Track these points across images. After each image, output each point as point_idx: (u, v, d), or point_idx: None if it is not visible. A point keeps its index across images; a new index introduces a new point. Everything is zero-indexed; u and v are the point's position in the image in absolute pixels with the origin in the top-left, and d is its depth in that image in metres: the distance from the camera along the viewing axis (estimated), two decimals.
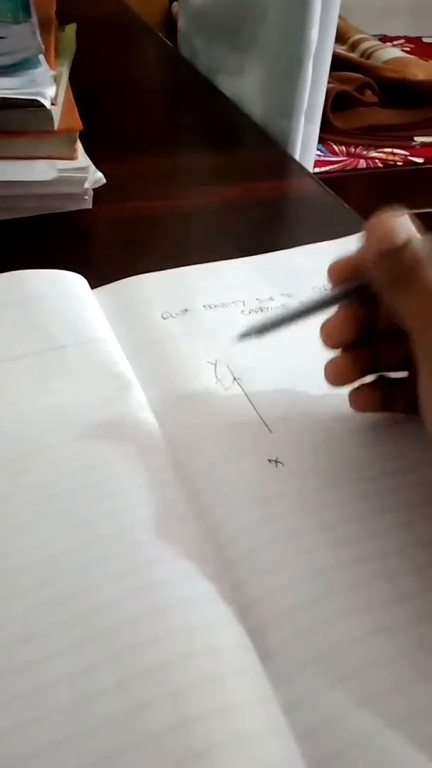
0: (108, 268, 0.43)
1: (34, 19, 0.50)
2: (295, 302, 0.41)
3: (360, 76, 1.15)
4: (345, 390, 0.33)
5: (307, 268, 0.44)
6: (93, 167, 0.49)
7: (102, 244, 0.49)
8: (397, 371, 0.33)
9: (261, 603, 0.26)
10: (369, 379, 0.33)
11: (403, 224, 0.29)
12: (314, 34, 0.58)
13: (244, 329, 0.33)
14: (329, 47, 0.59)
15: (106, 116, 0.65)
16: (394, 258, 0.28)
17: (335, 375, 0.32)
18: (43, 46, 0.47)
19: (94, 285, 0.41)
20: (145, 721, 0.22)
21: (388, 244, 0.29)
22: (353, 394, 0.33)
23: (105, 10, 0.94)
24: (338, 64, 1.19)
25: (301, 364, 0.36)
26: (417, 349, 0.27)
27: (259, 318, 0.40)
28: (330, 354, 0.32)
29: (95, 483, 0.30)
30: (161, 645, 0.24)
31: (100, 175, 0.49)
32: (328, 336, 0.32)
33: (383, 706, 0.23)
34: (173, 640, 0.24)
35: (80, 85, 0.54)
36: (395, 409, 0.33)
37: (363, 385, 0.33)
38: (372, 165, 1.06)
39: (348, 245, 0.32)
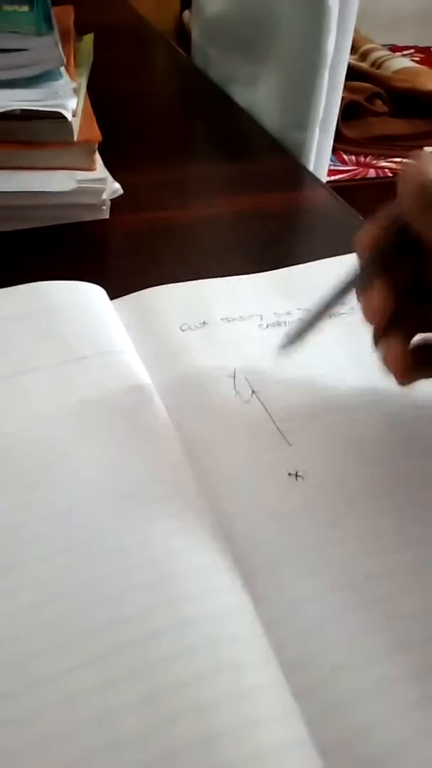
0: (123, 278, 0.43)
1: (56, 31, 0.50)
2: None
3: (370, 86, 1.16)
4: (365, 403, 0.33)
5: (323, 282, 0.44)
6: (110, 178, 0.49)
7: (118, 254, 0.49)
8: None
9: (284, 617, 0.26)
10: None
11: None
12: (331, 44, 0.58)
13: (284, 338, 0.33)
14: (345, 57, 0.60)
15: (120, 126, 0.65)
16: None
17: (404, 368, 0.32)
18: (64, 59, 0.47)
19: (110, 293, 0.41)
20: (171, 736, 0.22)
21: (427, 174, 0.29)
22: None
23: (118, 19, 0.95)
24: (348, 73, 1.20)
25: (321, 376, 0.36)
26: None
27: (277, 332, 0.40)
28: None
29: (115, 494, 0.30)
30: (187, 659, 0.24)
31: (117, 185, 0.50)
32: (370, 309, 0.32)
33: (407, 722, 0.23)
34: (199, 654, 0.24)
35: (95, 95, 0.55)
36: None
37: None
38: (382, 174, 1.06)
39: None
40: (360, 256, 0.32)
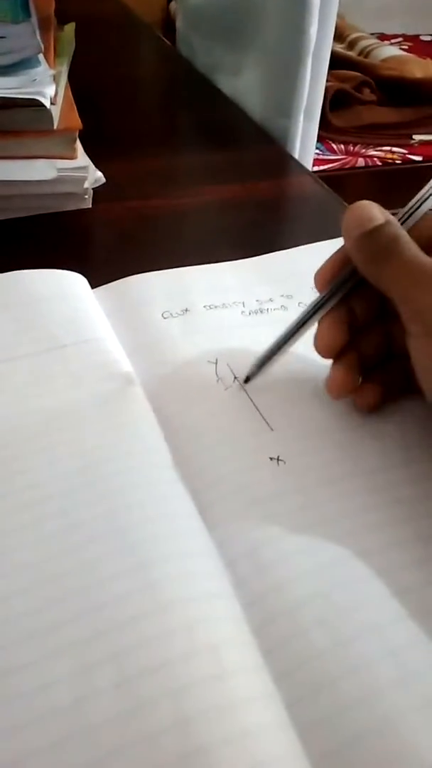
0: (107, 268, 0.43)
1: (34, 18, 0.50)
2: (294, 303, 0.41)
3: (358, 74, 1.15)
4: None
5: (306, 269, 0.44)
6: (92, 167, 0.49)
7: (101, 243, 0.49)
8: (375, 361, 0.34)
9: (263, 599, 0.26)
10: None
11: (378, 208, 0.32)
12: (313, 30, 0.58)
13: (248, 371, 0.35)
14: (328, 44, 0.59)
15: (104, 115, 0.65)
16: (375, 235, 0.31)
17: (340, 388, 0.34)
18: (42, 46, 0.47)
19: (93, 284, 0.41)
20: (147, 719, 0.22)
21: (368, 224, 0.31)
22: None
23: (103, 9, 0.94)
24: (336, 62, 1.19)
25: (302, 361, 0.36)
26: (403, 315, 0.30)
27: (259, 319, 0.40)
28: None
29: (94, 483, 0.30)
30: (162, 643, 0.24)
31: (99, 174, 0.49)
32: (324, 344, 0.33)
33: (386, 701, 0.23)
34: (174, 638, 0.24)
35: (79, 85, 0.54)
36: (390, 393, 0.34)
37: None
38: (371, 163, 1.06)
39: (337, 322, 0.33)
40: (319, 287, 0.34)
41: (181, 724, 0.22)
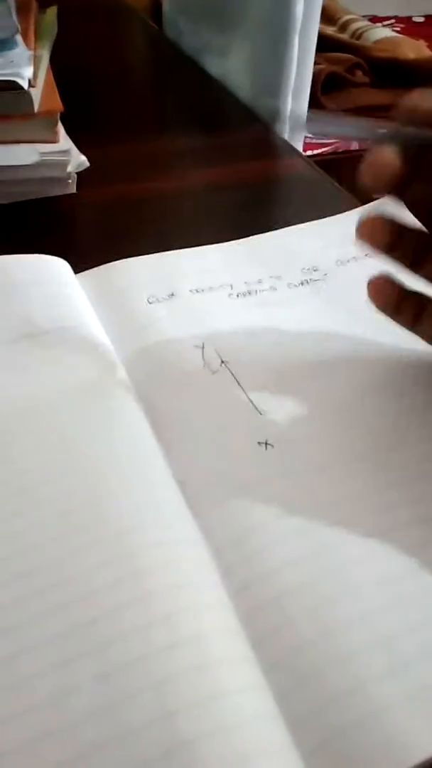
0: (92, 253, 0.42)
1: (11, 0, 0.49)
2: (283, 284, 0.40)
3: (350, 56, 1.14)
4: (337, 370, 0.32)
5: (295, 249, 0.43)
6: (76, 150, 0.48)
7: (86, 229, 0.48)
8: None
9: (251, 587, 0.26)
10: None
11: None
12: (299, 9, 0.56)
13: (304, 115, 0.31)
14: (315, 23, 0.58)
15: (90, 100, 0.63)
16: None
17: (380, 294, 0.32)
18: (19, 27, 0.46)
19: (78, 270, 0.40)
20: (130, 712, 0.21)
21: None
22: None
23: None
24: (328, 45, 1.18)
25: (291, 344, 0.35)
26: None
27: (247, 301, 0.39)
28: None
29: (77, 471, 0.29)
30: (145, 634, 0.23)
31: (83, 158, 0.48)
32: (369, 232, 0.31)
33: (377, 691, 0.23)
34: (157, 628, 0.23)
35: (64, 70, 0.53)
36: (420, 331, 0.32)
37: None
38: (364, 146, 1.04)
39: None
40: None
41: (165, 718, 0.21)
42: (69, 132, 0.48)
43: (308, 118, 0.32)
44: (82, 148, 0.48)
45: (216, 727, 0.21)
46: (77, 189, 0.49)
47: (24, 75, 0.42)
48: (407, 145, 0.29)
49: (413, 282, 0.31)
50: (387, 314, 0.32)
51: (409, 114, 0.30)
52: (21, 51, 0.44)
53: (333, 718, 0.22)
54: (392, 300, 0.32)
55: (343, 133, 0.31)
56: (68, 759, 0.21)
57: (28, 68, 0.43)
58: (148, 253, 0.42)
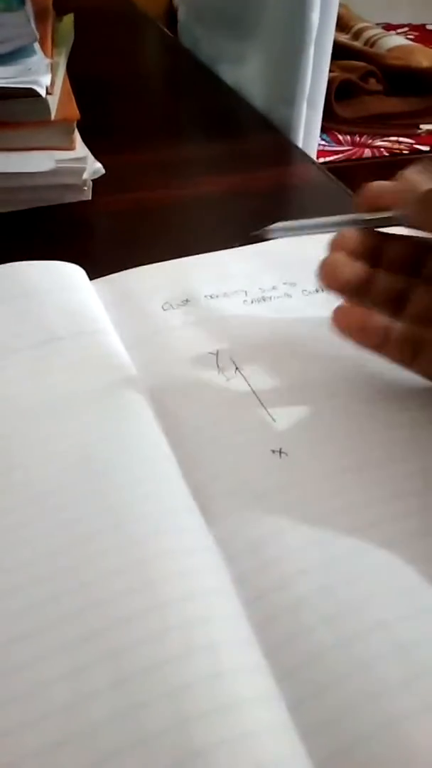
0: (108, 260, 0.42)
1: (29, 7, 0.49)
2: (298, 290, 0.41)
3: (364, 64, 1.14)
4: (351, 379, 0.32)
5: (310, 256, 0.43)
6: (92, 158, 0.48)
7: (101, 235, 0.48)
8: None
9: (265, 597, 0.25)
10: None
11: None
12: (315, 17, 0.57)
13: (269, 226, 0.33)
14: (330, 31, 0.58)
15: (106, 107, 0.64)
16: None
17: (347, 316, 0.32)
18: (38, 35, 0.46)
19: (93, 276, 0.40)
20: (144, 720, 0.21)
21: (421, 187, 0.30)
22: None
23: (105, 1, 0.93)
24: (342, 52, 1.18)
25: (305, 352, 0.35)
26: None
27: (262, 307, 0.39)
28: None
29: (92, 478, 0.29)
30: (160, 642, 0.23)
31: (99, 165, 0.49)
32: (330, 274, 0.31)
33: (393, 700, 0.22)
34: (172, 636, 0.23)
35: (81, 77, 0.53)
36: (415, 365, 0.32)
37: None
38: (377, 154, 1.05)
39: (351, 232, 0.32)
40: (361, 207, 0.32)
41: (179, 725, 0.21)
42: (84, 139, 0.49)
43: (272, 230, 0.33)
44: (97, 155, 0.49)
45: (230, 736, 0.21)
46: (92, 196, 0.50)
47: (42, 83, 0.42)
48: (369, 234, 0.31)
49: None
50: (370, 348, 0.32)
51: (372, 202, 0.31)
52: (39, 58, 0.44)
53: (347, 727, 0.22)
54: (376, 337, 0.32)
55: (308, 232, 0.33)
56: (84, 766, 0.21)
57: (46, 76, 0.43)
58: (162, 260, 0.43)
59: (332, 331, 0.32)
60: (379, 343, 0.31)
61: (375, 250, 0.32)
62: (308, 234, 0.33)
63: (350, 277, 0.31)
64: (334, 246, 0.32)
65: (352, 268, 0.31)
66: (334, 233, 0.32)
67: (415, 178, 0.31)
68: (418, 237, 0.31)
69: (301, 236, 0.33)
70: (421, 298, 0.31)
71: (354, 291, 0.32)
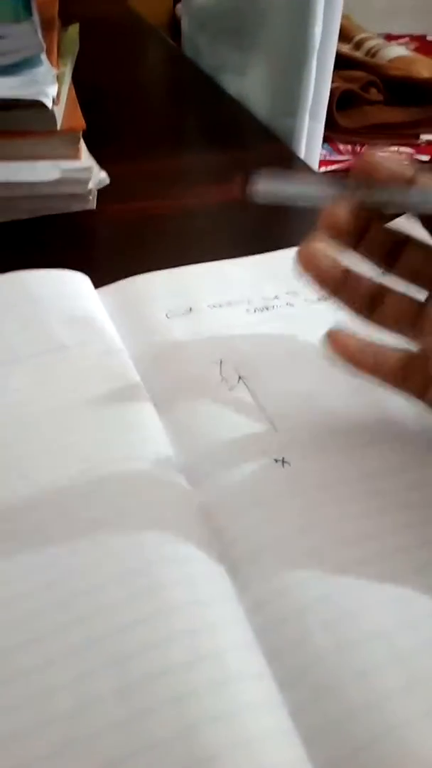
0: (112, 269, 0.43)
1: (36, 17, 0.49)
2: (300, 300, 0.41)
3: (365, 74, 1.15)
4: (351, 391, 0.32)
5: None
6: (97, 167, 0.48)
7: (106, 244, 0.49)
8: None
9: (268, 604, 0.26)
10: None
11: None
12: (318, 30, 0.57)
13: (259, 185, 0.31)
14: (333, 43, 0.59)
15: (110, 117, 0.64)
16: None
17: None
18: (44, 45, 0.47)
19: (98, 285, 0.41)
20: (150, 726, 0.22)
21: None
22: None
23: (109, 11, 0.94)
24: (343, 62, 1.19)
25: (308, 362, 0.36)
26: None
27: (265, 317, 0.40)
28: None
29: (96, 484, 0.29)
30: (164, 649, 0.23)
31: (104, 175, 0.49)
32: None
33: (393, 707, 0.23)
34: (177, 643, 0.24)
35: (85, 87, 0.54)
36: (406, 387, 0.32)
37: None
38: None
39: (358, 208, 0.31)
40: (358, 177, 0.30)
41: (183, 732, 0.22)
42: (89, 148, 0.49)
43: (262, 180, 0.31)
44: (101, 165, 0.49)
45: (234, 742, 0.21)
46: (97, 205, 0.50)
47: (48, 93, 0.43)
48: (358, 216, 0.30)
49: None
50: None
51: (366, 173, 0.30)
52: (46, 69, 0.45)
53: (349, 733, 0.22)
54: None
55: (298, 194, 0.31)
56: None
57: (52, 86, 0.43)
58: (166, 268, 0.43)
59: (326, 356, 0.32)
60: (372, 367, 0.31)
61: (360, 229, 0.31)
62: (296, 201, 0.31)
63: (327, 267, 0.31)
64: (322, 218, 0.30)
65: (332, 260, 0.31)
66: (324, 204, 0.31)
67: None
68: (398, 231, 0.31)
69: (290, 203, 0.31)
70: (395, 301, 0.31)
71: (328, 282, 0.31)
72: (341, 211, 0.30)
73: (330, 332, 0.32)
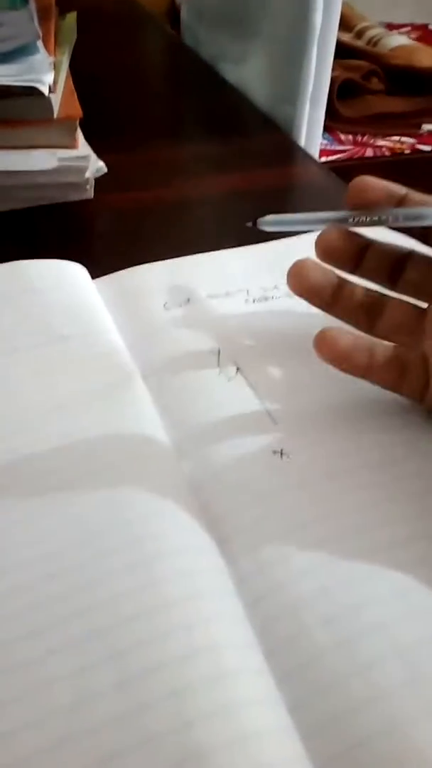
0: (109, 259, 0.42)
1: (32, 5, 0.49)
2: None
3: (366, 63, 1.14)
4: (350, 382, 0.32)
5: (311, 255, 0.43)
6: (94, 156, 0.48)
7: (103, 234, 0.48)
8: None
9: (266, 598, 0.25)
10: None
11: None
12: (318, 17, 0.57)
13: (263, 218, 0.33)
14: (333, 31, 0.58)
15: (109, 106, 0.64)
16: None
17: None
18: (41, 33, 0.46)
19: (95, 275, 0.40)
20: (147, 721, 0.21)
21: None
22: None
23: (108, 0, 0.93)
24: (344, 51, 1.18)
25: (307, 352, 0.35)
26: None
27: (264, 306, 0.39)
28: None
29: (94, 476, 0.29)
30: (162, 643, 0.23)
31: (101, 164, 0.48)
32: (296, 278, 0.32)
33: (394, 702, 0.23)
34: (174, 637, 0.23)
35: (83, 75, 0.53)
36: (403, 391, 0.32)
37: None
38: (379, 154, 1.04)
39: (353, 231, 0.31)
40: (353, 202, 0.31)
41: (181, 727, 0.21)
42: (86, 137, 0.49)
43: (263, 222, 0.33)
44: (99, 154, 0.49)
45: (232, 738, 0.21)
46: (94, 194, 0.50)
47: (44, 81, 0.42)
48: (352, 236, 0.31)
49: None
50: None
51: (357, 195, 0.30)
52: (42, 57, 0.44)
53: (348, 729, 0.22)
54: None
55: (299, 227, 0.32)
56: (87, 765, 0.21)
57: (48, 74, 0.43)
58: (164, 259, 0.43)
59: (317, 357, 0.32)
60: (365, 369, 0.31)
61: (357, 252, 0.31)
62: (299, 228, 0.32)
63: (319, 282, 0.31)
64: (317, 245, 0.31)
65: (323, 274, 0.31)
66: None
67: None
68: (399, 246, 0.31)
69: (293, 230, 0.32)
70: (394, 311, 0.31)
71: (321, 298, 0.32)
72: (335, 235, 0.30)
73: (319, 334, 0.31)
